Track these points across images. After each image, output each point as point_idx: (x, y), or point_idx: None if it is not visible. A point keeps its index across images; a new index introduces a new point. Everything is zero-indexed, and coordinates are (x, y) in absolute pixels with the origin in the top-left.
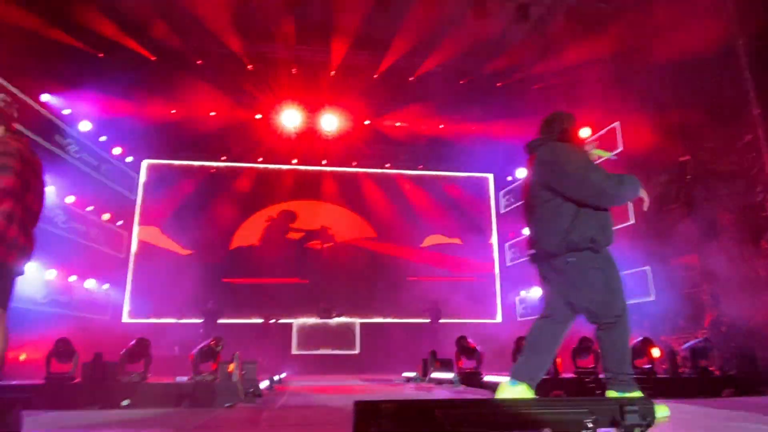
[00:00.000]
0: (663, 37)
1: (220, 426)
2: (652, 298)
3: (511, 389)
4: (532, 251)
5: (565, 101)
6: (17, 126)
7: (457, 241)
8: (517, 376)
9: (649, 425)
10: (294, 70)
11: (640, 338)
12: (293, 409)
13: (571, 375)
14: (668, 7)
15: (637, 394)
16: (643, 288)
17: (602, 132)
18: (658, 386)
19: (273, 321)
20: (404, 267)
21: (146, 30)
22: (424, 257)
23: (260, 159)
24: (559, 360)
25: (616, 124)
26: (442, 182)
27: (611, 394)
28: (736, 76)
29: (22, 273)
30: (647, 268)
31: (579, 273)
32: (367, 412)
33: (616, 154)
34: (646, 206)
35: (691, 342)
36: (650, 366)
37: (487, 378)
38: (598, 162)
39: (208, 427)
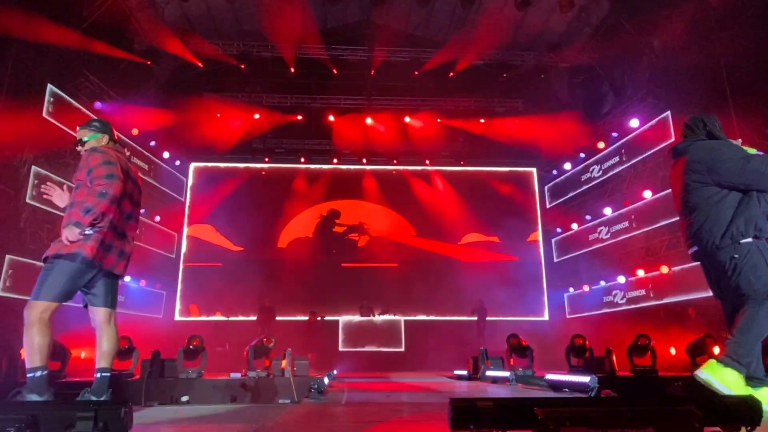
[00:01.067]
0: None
1: (299, 422)
2: (710, 293)
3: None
4: (694, 249)
5: (614, 92)
6: (118, 135)
7: (495, 239)
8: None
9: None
10: (335, 71)
11: (702, 335)
12: (361, 405)
13: (627, 373)
14: None
15: (736, 375)
16: (702, 283)
17: (654, 121)
18: None
19: (319, 318)
20: (446, 264)
21: (191, 38)
22: (465, 254)
23: (302, 159)
24: (614, 358)
25: (667, 113)
26: (485, 177)
27: (713, 363)
28: None
29: (122, 276)
30: None
31: (742, 265)
32: (464, 410)
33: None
34: None
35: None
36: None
37: (550, 376)
38: None
39: (287, 423)
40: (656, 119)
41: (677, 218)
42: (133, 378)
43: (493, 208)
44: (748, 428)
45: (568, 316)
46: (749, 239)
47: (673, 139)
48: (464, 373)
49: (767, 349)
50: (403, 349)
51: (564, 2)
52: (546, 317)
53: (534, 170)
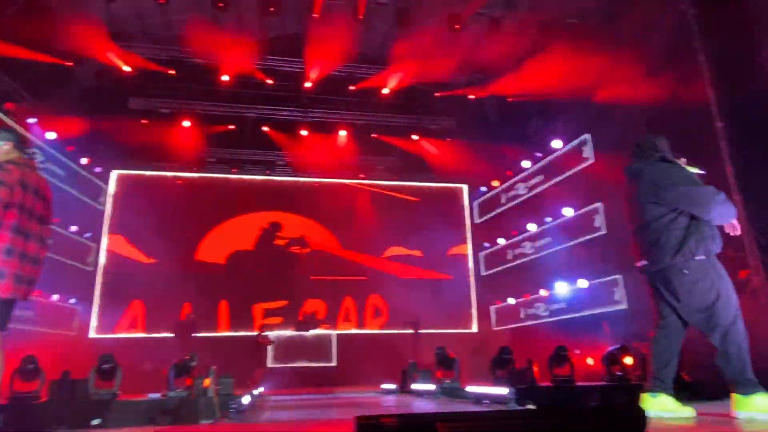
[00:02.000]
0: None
1: None
2: (624, 306)
3: (653, 401)
4: (644, 263)
5: (538, 115)
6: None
7: (417, 253)
8: (653, 389)
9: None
10: (270, 82)
11: (617, 346)
12: (277, 425)
13: (547, 383)
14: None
15: (762, 395)
16: (615, 296)
17: (574, 143)
18: (631, 392)
19: (266, 335)
20: (379, 277)
21: (117, 41)
22: (394, 267)
23: (234, 170)
24: (536, 368)
25: (587, 136)
26: (417, 193)
27: (738, 398)
28: (698, 89)
29: (18, 298)
30: (619, 276)
31: (692, 282)
32: (367, 428)
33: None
34: (737, 231)
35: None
36: (622, 374)
37: (469, 389)
38: None
39: None
40: (576, 141)
41: (594, 234)
42: (38, 401)
43: (425, 223)
44: None
45: (494, 328)
46: (702, 257)
47: (592, 160)
48: (392, 387)
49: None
50: (334, 363)
51: (494, 25)
52: (475, 329)
53: (465, 186)
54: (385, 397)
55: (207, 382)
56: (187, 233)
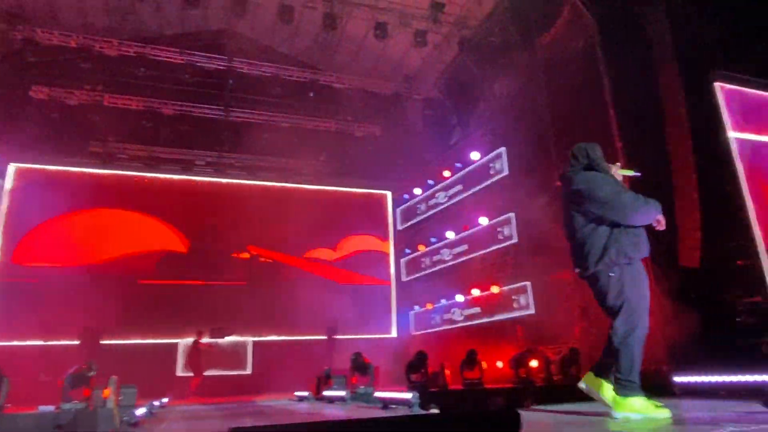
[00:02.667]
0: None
1: None
2: (532, 311)
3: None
4: (577, 270)
5: (459, 127)
6: None
7: (338, 255)
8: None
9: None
10: (190, 76)
11: (524, 350)
12: None
13: (458, 387)
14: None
15: (638, 398)
16: (523, 302)
17: (491, 155)
18: (536, 394)
19: (206, 341)
20: (298, 282)
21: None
22: (313, 271)
23: (148, 167)
24: (448, 372)
25: (502, 149)
26: (342, 198)
27: (617, 398)
28: (602, 111)
29: None
30: (528, 283)
31: (605, 287)
32: None
33: (623, 171)
34: (662, 227)
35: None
36: (525, 376)
37: (378, 394)
38: (623, 180)
39: None
40: (493, 153)
41: (506, 243)
42: None
43: (348, 228)
44: None
45: (413, 333)
46: (624, 263)
47: (506, 173)
48: (305, 394)
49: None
50: (249, 371)
51: (419, 38)
52: (394, 334)
53: (388, 193)
54: (297, 404)
55: (107, 392)
56: (90, 234)
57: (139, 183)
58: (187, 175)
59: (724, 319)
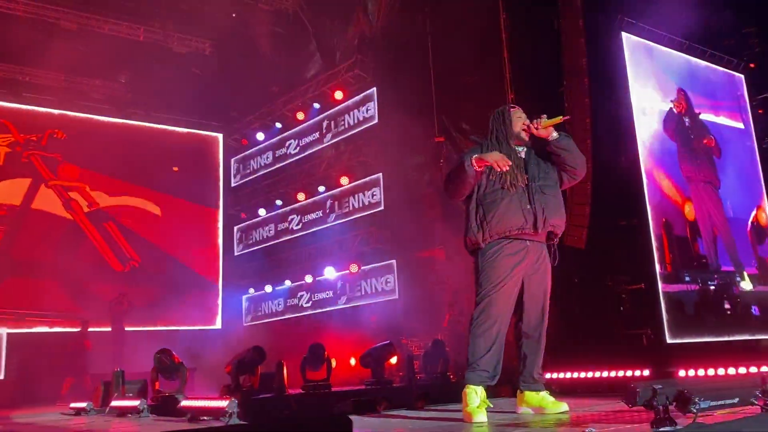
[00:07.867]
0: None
1: None
2: (395, 297)
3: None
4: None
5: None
6: None
7: (156, 210)
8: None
9: None
10: None
11: (382, 343)
12: None
13: (298, 390)
14: None
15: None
16: (387, 285)
17: (358, 97)
18: (393, 396)
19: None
20: (79, 241)
21: None
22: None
23: None
24: (285, 372)
25: (373, 89)
26: (156, 136)
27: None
28: (496, 61)
29: None
30: (393, 261)
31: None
32: None
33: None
34: (498, 165)
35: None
36: (379, 377)
37: (185, 403)
38: (552, 127)
39: None
40: (361, 95)
41: (372, 211)
42: None
43: (163, 179)
44: None
45: (245, 324)
46: (479, 244)
47: (377, 120)
48: (84, 405)
49: None
50: (2, 376)
51: None
52: (219, 325)
53: (220, 136)
54: (71, 420)
55: None
56: None
57: None
58: None
59: (607, 308)
